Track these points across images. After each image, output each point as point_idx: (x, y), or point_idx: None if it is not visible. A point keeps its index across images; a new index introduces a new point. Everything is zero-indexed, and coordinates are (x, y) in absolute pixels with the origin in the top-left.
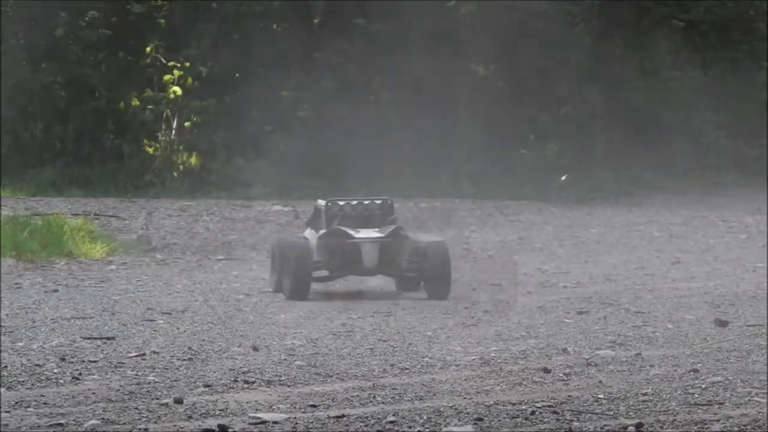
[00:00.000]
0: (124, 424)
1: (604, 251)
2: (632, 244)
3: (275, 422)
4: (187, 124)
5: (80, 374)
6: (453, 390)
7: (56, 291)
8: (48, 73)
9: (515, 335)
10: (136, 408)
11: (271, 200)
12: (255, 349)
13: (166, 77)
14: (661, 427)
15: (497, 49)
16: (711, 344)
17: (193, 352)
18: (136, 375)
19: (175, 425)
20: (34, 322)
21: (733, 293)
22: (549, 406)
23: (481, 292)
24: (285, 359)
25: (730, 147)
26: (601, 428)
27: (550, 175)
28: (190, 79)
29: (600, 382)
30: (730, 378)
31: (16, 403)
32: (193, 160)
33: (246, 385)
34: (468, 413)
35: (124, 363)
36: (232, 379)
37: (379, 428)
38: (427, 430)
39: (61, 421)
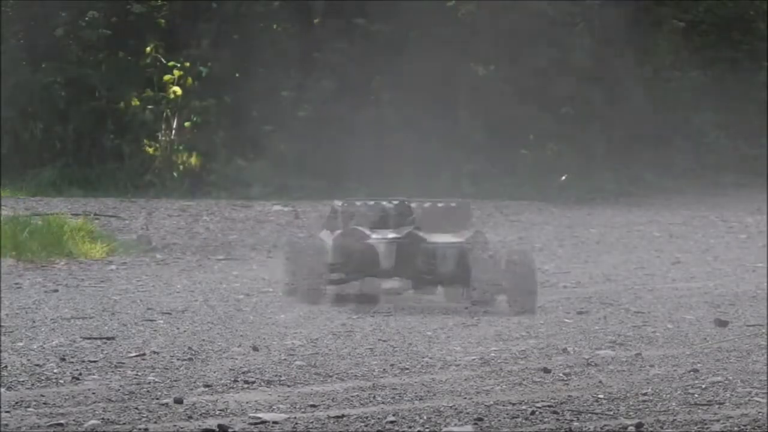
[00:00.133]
0: (124, 424)
1: (604, 251)
2: (632, 244)
3: (275, 422)
4: (187, 124)
5: (80, 374)
6: (453, 390)
7: (56, 291)
8: (48, 73)
9: (515, 335)
10: (136, 408)
11: (271, 200)
12: (255, 349)
13: (166, 77)
14: (661, 427)
15: (497, 49)
16: (711, 344)
17: (193, 352)
18: (136, 375)
19: (175, 425)
20: (34, 322)
21: (733, 293)
22: (549, 406)
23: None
24: (285, 359)
25: (730, 147)
26: (601, 428)
27: (550, 175)
28: (190, 79)
29: (600, 382)
30: (730, 378)
31: (16, 403)
32: (193, 160)
33: (246, 385)
34: (468, 413)
35: (124, 363)
36: (232, 379)
37: (379, 428)
38: (427, 430)
39: (61, 421)
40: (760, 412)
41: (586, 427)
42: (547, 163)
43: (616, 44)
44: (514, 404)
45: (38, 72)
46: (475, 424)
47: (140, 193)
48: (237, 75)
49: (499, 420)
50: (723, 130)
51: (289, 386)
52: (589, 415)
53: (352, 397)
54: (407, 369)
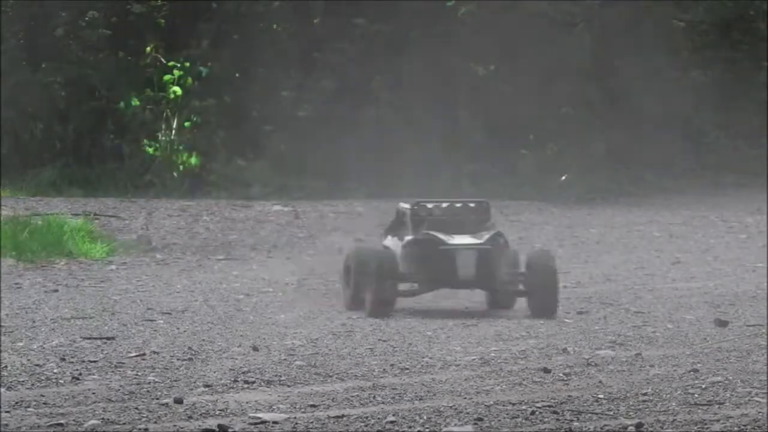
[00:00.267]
0: (124, 424)
1: (604, 251)
2: (632, 244)
3: (275, 422)
4: (187, 124)
5: (80, 374)
6: (453, 390)
7: (56, 291)
8: (48, 73)
9: (515, 335)
10: (136, 408)
11: (271, 200)
12: (255, 349)
13: (166, 77)
14: (661, 427)
15: (497, 49)
16: (711, 344)
17: (193, 352)
18: (136, 375)
19: (175, 425)
20: (34, 322)
21: (733, 293)
22: (549, 406)
23: (481, 292)
24: (285, 359)
25: (730, 147)
26: (601, 428)
27: (550, 175)
28: (190, 79)
29: (600, 382)
30: (730, 378)
31: (16, 403)
32: (193, 160)
33: (246, 385)
34: (468, 413)
35: (124, 363)
36: (232, 379)
37: (379, 428)
38: (427, 430)
39: (61, 421)
40: (760, 412)
41: (586, 427)
42: (547, 163)
43: (616, 44)
44: (514, 404)
45: (38, 72)
46: (475, 424)
47: (140, 193)
48: (237, 75)
49: (499, 420)
50: (723, 130)
51: (289, 386)
52: (589, 415)
53: (352, 397)
54: (407, 369)
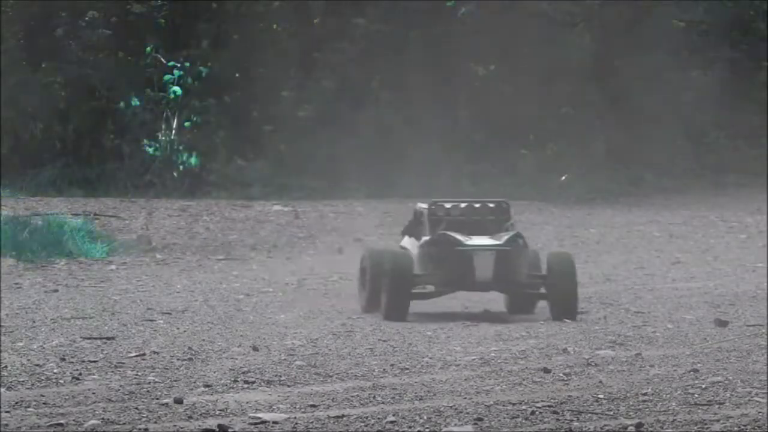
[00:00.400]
0: (124, 424)
1: (604, 251)
2: (632, 244)
3: (275, 422)
4: (187, 124)
5: (80, 374)
6: (453, 390)
7: (56, 291)
8: (48, 73)
9: (515, 335)
10: (136, 408)
11: (271, 200)
12: (255, 349)
13: (166, 77)
14: (661, 427)
15: (497, 49)
16: (711, 344)
17: (193, 352)
18: (136, 375)
19: (175, 425)
20: (34, 322)
21: (733, 293)
22: (549, 406)
23: (482, 293)
24: (285, 359)
25: (730, 147)
26: (601, 428)
27: (550, 175)
28: (190, 79)
29: (600, 382)
30: (730, 378)
31: (16, 403)
32: (193, 160)
33: (246, 385)
34: (468, 413)
35: (124, 363)
36: (232, 379)
37: (379, 428)
38: (427, 430)
39: (61, 421)
40: (760, 412)
41: (586, 427)
42: (547, 163)
43: (616, 44)
44: (514, 404)
45: (38, 72)
46: (475, 424)
47: (140, 193)
48: (237, 75)
49: (499, 420)
50: (723, 130)
51: (289, 386)
52: (589, 415)
53: (352, 397)
54: (407, 369)
